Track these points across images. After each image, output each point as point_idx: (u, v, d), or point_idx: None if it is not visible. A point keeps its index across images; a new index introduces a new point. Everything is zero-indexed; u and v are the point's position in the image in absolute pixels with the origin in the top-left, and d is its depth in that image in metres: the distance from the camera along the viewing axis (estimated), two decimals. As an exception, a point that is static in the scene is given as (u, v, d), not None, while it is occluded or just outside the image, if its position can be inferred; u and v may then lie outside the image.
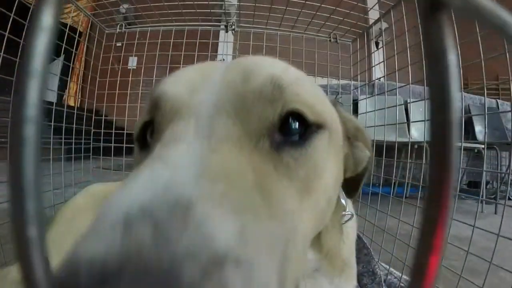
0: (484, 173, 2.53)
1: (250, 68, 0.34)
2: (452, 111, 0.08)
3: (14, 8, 1.09)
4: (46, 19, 0.08)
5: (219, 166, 0.22)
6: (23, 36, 1.08)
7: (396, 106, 1.15)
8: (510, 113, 2.69)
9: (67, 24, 1.33)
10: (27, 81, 0.09)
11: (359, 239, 1.18)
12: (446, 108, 0.08)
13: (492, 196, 2.96)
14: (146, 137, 0.36)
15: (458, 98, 0.08)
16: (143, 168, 0.22)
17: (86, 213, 0.88)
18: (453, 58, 0.08)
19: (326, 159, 0.35)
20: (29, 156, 0.10)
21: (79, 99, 2.70)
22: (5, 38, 1.06)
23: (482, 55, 0.84)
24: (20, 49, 1.08)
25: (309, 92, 0.35)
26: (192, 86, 0.33)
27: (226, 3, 1.58)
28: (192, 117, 0.28)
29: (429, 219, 0.10)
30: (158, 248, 0.14)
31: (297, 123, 0.32)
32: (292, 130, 0.32)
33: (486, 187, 3.02)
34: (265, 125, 0.30)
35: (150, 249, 0.14)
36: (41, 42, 0.08)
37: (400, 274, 1.04)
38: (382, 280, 1.04)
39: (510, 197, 2.79)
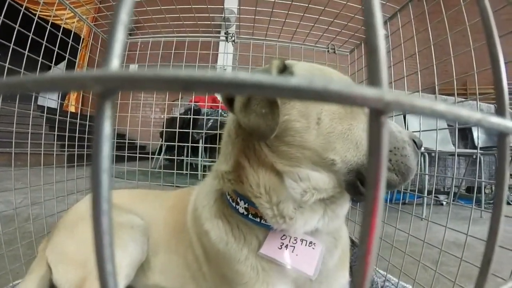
0: (482, 178, 2.54)
1: None
2: (380, 188, 0.11)
3: (19, 20, 1.11)
4: (107, 130, 0.11)
5: None
6: (27, 48, 1.11)
7: (392, 116, 1.18)
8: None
9: (67, 31, 1.34)
10: (102, 176, 0.12)
11: (356, 247, 1.19)
12: (375, 182, 0.11)
13: (491, 201, 2.97)
14: None
15: (384, 179, 0.12)
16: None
17: (89, 217, 0.89)
18: (385, 151, 0.11)
19: None
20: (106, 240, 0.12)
21: (80, 107, 2.72)
22: (10, 49, 1.09)
23: (475, 66, 0.86)
24: (24, 59, 1.11)
25: None
26: None
27: (226, 16, 1.62)
28: None
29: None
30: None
31: None
32: None
33: (485, 192, 3.04)
34: None
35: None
36: (106, 147, 0.11)
37: (397, 281, 1.05)
38: (380, 287, 1.06)
39: (510, 202, 2.81)
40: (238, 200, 0.67)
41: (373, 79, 0.12)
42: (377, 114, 0.11)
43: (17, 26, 1.10)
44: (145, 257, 0.85)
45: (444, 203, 2.78)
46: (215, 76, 0.11)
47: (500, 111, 0.16)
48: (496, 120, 0.14)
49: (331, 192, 0.62)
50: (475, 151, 2.49)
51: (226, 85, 0.11)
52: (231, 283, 0.68)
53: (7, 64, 1.06)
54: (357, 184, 0.59)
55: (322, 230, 0.66)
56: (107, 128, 0.12)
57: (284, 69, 0.64)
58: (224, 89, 0.11)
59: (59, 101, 1.67)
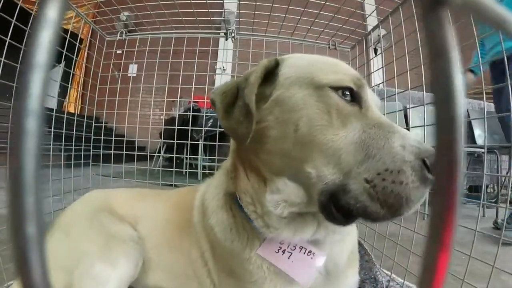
0: (484, 177, 2.53)
1: None
2: (457, 105, 0.08)
3: (16, 14, 1.09)
4: (52, 12, 0.08)
5: None
6: (23, 43, 1.09)
7: (396, 111, 1.16)
8: (509, 117, 2.69)
9: (68, 30, 1.33)
10: (31, 73, 0.09)
11: (360, 246, 1.17)
12: (450, 102, 0.08)
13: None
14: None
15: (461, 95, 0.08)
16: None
17: (84, 220, 0.87)
18: (455, 54, 0.08)
19: None
20: (30, 150, 0.10)
21: (79, 106, 2.70)
22: (6, 44, 1.07)
23: (481, 64, 0.85)
24: (21, 55, 1.09)
25: None
26: None
27: (226, 11, 1.60)
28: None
29: (438, 215, 0.09)
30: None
31: None
32: None
33: (486, 191, 3.02)
34: None
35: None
36: (46, 35, 0.08)
37: (402, 281, 1.03)
38: (384, 287, 1.04)
39: None
40: None
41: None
42: (433, 5, 0.08)
43: (14, 20, 1.08)
44: (137, 273, 0.83)
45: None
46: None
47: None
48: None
49: (305, 208, 0.57)
50: (479, 149, 2.48)
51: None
52: (240, 280, 0.66)
53: (3, 59, 1.04)
54: (330, 209, 0.51)
55: (325, 241, 0.63)
56: (51, 12, 0.09)
57: (276, 67, 0.61)
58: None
59: (58, 98, 1.65)
